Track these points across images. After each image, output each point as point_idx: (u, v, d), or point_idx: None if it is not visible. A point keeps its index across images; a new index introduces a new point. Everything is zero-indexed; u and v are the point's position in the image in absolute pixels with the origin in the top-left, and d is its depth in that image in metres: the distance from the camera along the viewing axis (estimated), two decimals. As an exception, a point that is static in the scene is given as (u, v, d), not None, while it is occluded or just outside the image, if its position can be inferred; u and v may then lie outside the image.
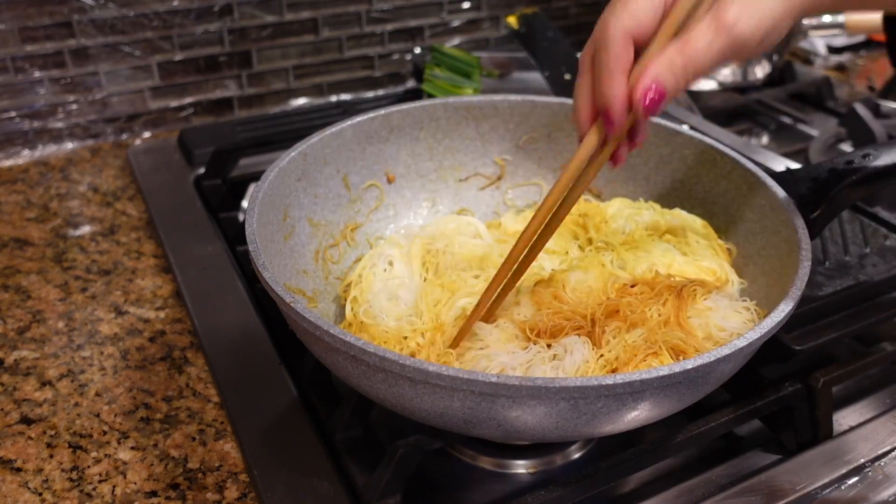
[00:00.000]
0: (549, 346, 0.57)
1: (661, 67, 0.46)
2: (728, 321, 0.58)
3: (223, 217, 0.90)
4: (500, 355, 0.56)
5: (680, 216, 0.71)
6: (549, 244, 0.61)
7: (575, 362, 0.55)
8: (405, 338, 0.61)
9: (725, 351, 0.48)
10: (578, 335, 0.57)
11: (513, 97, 0.78)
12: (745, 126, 1.21)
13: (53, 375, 0.69)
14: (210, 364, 0.69)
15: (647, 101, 0.46)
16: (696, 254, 0.67)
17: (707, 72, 0.46)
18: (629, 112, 0.48)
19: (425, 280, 0.67)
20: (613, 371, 0.55)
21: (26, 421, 0.65)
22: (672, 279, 0.62)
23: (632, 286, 0.62)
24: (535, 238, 0.56)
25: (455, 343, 0.58)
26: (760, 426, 0.65)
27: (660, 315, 0.58)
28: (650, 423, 0.52)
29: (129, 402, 0.67)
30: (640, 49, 0.48)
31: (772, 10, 0.45)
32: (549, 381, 0.45)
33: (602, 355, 0.56)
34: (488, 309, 0.59)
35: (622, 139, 0.52)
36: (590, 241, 0.71)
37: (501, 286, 0.58)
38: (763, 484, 0.59)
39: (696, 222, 0.70)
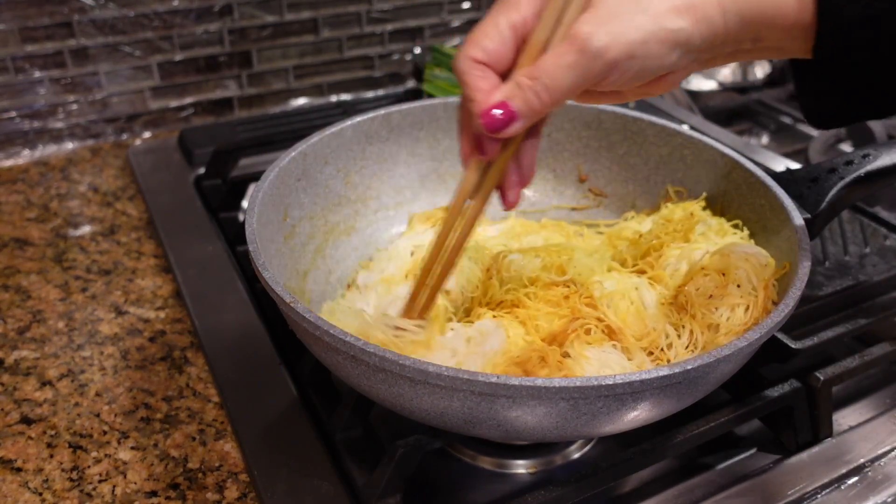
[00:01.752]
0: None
1: (509, 87, 0.46)
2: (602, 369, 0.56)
3: (223, 217, 0.90)
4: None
5: (732, 254, 0.60)
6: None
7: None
8: None
9: (725, 351, 0.48)
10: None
11: (513, 97, 0.78)
12: (745, 126, 1.21)
13: (53, 375, 0.69)
14: (210, 364, 0.69)
15: (490, 120, 0.46)
16: (723, 297, 0.59)
17: (565, 90, 0.45)
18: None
19: None
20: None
21: (26, 421, 0.65)
22: (587, 307, 0.59)
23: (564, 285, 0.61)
24: (431, 274, 0.55)
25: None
26: (760, 426, 0.65)
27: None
28: (650, 422, 0.52)
29: (129, 402, 0.67)
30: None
31: (635, 29, 0.43)
32: (549, 381, 0.45)
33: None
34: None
35: (504, 173, 0.51)
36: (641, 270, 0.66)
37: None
38: (763, 484, 0.59)
39: (750, 262, 0.59)
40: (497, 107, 0.45)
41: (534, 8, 0.46)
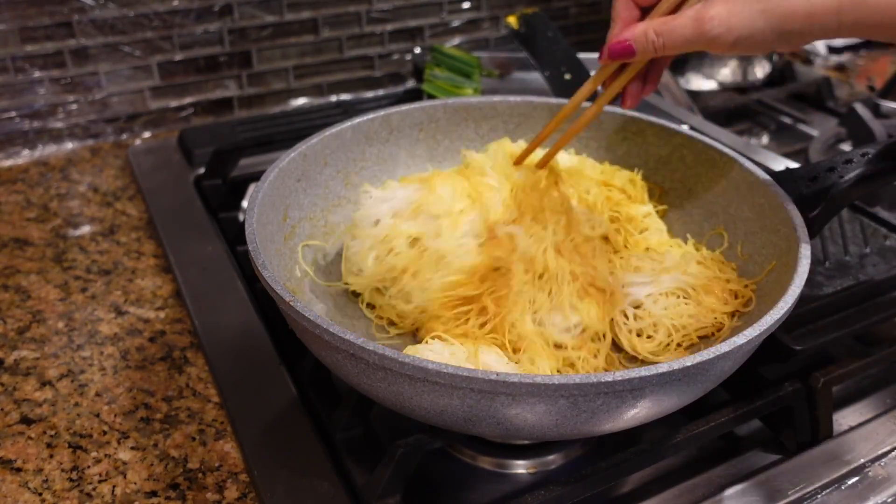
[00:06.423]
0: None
1: (639, 31, 0.57)
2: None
3: (223, 217, 0.90)
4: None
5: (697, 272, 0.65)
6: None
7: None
8: None
9: (725, 348, 0.48)
10: None
11: (512, 98, 0.78)
12: (745, 126, 1.21)
13: (53, 375, 0.69)
14: (210, 364, 0.69)
15: (614, 49, 0.58)
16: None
17: (677, 49, 0.56)
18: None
19: None
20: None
21: (26, 421, 0.65)
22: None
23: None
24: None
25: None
26: (760, 426, 0.65)
27: None
28: (650, 420, 0.52)
29: (129, 402, 0.67)
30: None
31: (750, 21, 0.52)
32: (548, 378, 0.45)
33: None
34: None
35: (629, 79, 0.62)
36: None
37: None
38: (763, 484, 0.59)
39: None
40: (623, 41, 0.57)
41: None
